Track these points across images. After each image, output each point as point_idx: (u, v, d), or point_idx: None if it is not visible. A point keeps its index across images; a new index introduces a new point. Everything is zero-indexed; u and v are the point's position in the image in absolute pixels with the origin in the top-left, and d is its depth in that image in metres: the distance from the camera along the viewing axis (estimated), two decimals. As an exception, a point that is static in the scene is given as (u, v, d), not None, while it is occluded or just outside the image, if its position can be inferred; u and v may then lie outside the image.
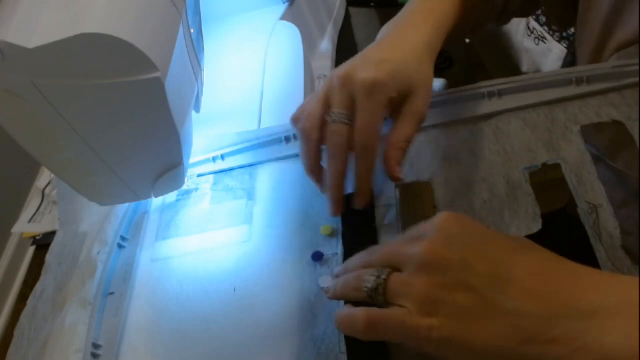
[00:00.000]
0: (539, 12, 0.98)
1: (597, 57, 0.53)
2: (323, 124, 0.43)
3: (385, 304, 0.33)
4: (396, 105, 0.43)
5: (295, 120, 0.46)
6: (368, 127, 0.41)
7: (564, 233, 0.44)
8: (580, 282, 0.29)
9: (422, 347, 0.31)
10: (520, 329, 0.28)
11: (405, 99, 0.43)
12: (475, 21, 0.56)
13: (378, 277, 0.33)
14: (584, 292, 0.28)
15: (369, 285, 0.33)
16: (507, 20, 0.61)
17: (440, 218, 0.33)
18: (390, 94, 0.41)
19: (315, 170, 0.46)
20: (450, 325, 0.30)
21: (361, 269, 0.36)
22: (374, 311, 0.33)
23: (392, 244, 0.35)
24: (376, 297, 0.33)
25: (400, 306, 0.32)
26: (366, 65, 0.42)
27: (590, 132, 0.48)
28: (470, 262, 0.31)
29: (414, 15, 0.48)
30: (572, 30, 0.97)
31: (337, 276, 0.39)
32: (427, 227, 0.34)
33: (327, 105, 0.43)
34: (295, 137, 0.56)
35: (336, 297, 0.39)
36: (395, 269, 0.34)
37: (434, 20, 0.47)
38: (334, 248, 0.46)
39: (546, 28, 1.02)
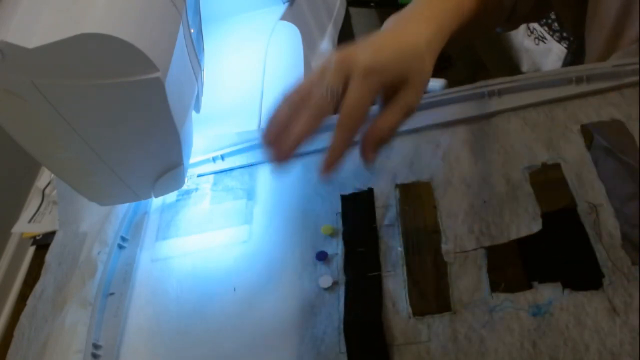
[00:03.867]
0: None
1: (608, 52, 0.53)
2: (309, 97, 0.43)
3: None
4: (388, 93, 0.43)
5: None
6: (355, 105, 0.42)
7: (563, 232, 0.44)
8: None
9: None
10: None
11: (398, 88, 0.43)
12: (484, 25, 0.55)
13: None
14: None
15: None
16: (516, 24, 0.61)
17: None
18: (384, 80, 0.42)
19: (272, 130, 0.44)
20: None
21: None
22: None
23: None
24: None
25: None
26: (366, 49, 0.43)
27: (600, 125, 0.48)
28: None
29: (418, 13, 0.49)
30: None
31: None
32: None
33: (320, 80, 0.43)
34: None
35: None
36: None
37: (438, 20, 0.48)
38: (335, 248, 0.46)
39: (546, 28, 1.02)
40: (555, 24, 0.99)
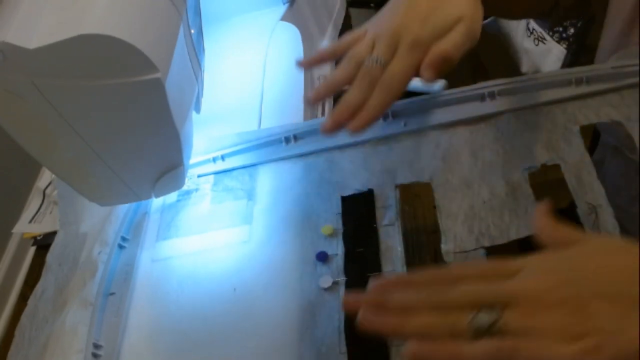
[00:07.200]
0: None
1: (624, 41, 0.53)
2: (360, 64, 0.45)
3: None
4: None
5: (335, 52, 0.49)
6: (399, 72, 0.43)
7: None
8: None
9: None
10: None
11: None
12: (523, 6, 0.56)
13: (490, 314, 0.29)
14: None
15: (482, 323, 0.29)
16: (558, 21, 0.59)
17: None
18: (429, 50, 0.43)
19: (325, 91, 0.47)
20: (607, 338, 0.27)
21: (434, 311, 0.31)
22: (494, 345, 0.28)
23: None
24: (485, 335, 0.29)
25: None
26: (413, 22, 0.45)
27: (609, 125, 0.48)
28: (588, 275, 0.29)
29: None
30: (572, 31, 0.97)
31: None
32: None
33: (366, 49, 0.46)
34: (295, 137, 0.56)
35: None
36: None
37: None
38: (334, 248, 0.47)
39: (546, 29, 1.02)
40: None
